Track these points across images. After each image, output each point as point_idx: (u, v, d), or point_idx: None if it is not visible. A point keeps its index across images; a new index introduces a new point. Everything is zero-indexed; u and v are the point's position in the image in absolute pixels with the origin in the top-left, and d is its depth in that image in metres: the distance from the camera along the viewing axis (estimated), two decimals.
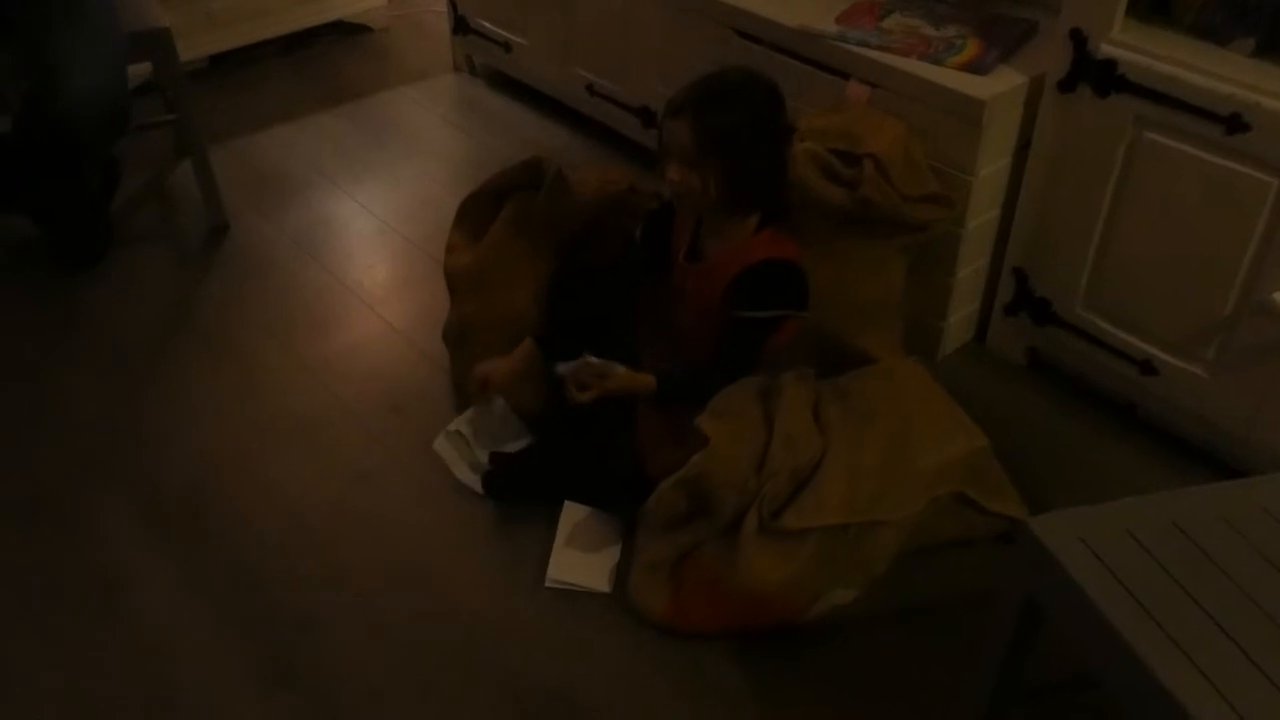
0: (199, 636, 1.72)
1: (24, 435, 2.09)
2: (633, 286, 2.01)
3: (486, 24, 3.15)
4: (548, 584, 1.78)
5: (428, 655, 1.69)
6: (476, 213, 2.22)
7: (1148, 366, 1.97)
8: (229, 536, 1.89)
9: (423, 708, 1.62)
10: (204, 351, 2.29)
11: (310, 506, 1.94)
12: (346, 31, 3.63)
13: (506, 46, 3.11)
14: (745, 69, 1.82)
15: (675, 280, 1.94)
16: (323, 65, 3.46)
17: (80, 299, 2.45)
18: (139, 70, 2.71)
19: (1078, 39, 1.82)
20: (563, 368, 1.85)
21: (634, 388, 1.82)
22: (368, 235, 2.67)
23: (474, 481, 1.95)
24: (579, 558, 1.81)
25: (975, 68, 1.99)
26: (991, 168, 2.02)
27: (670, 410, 1.85)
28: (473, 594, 1.79)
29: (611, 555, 1.82)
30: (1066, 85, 1.87)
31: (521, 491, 1.93)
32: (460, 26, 3.27)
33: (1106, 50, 1.79)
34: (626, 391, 1.82)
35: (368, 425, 2.11)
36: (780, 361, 1.85)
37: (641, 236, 2.00)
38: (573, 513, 1.87)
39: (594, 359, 1.81)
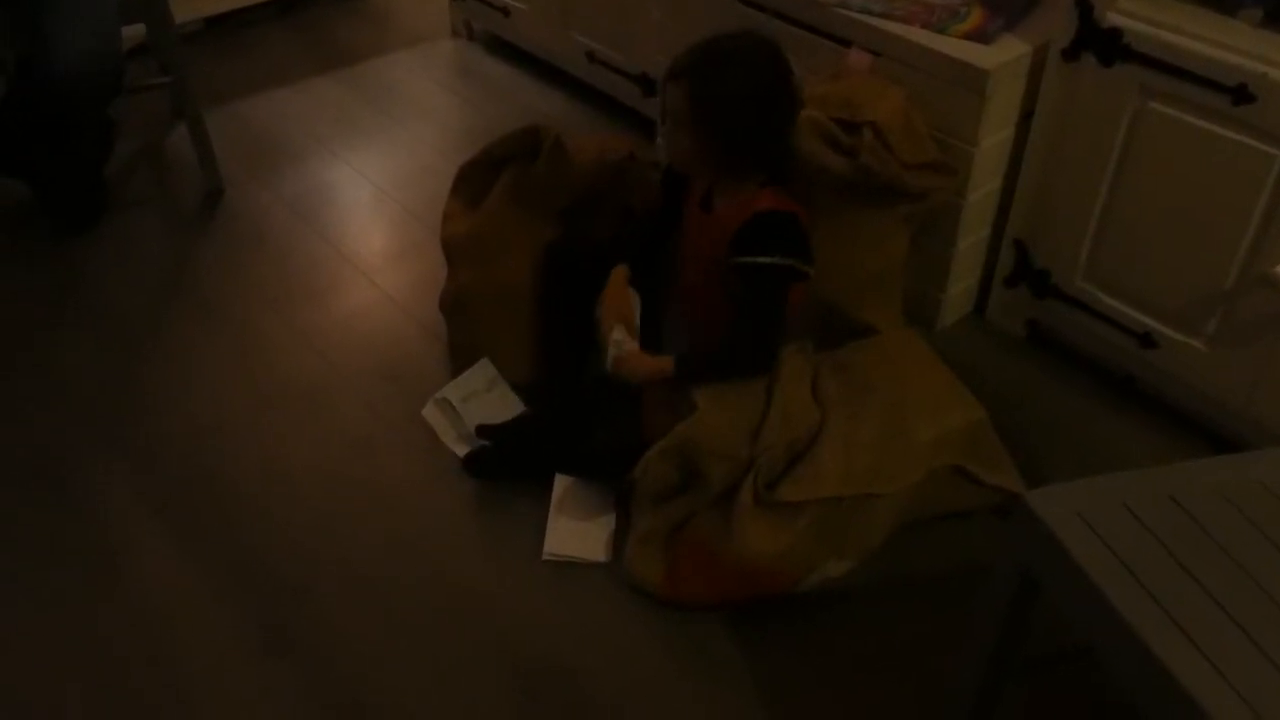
0: (195, 603, 1.73)
1: (21, 399, 2.09)
2: (652, 244, 1.99)
3: None
4: (545, 557, 1.77)
5: (423, 624, 1.70)
6: (474, 180, 2.20)
7: (1147, 339, 1.96)
8: (225, 503, 1.89)
9: (418, 676, 1.63)
10: (200, 318, 2.28)
11: (306, 474, 1.94)
12: None
13: (505, 11, 3.07)
14: (752, 34, 1.78)
15: (686, 229, 1.92)
16: (320, 28, 3.42)
17: (75, 263, 2.43)
18: (133, 32, 2.67)
19: (1083, 7, 1.79)
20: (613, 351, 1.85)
21: (653, 373, 1.81)
22: (364, 202, 2.65)
23: (462, 449, 1.94)
24: (574, 529, 1.81)
25: (979, 36, 1.97)
26: (994, 138, 2.00)
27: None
28: (468, 563, 1.79)
29: (607, 525, 1.82)
30: (1071, 54, 1.85)
31: (506, 470, 1.91)
32: None
33: (1112, 18, 1.77)
34: (647, 377, 1.82)
35: (364, 394, 2.10)
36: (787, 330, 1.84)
37: (661, 186, 1.99)
38: (564, 484, 1.86)
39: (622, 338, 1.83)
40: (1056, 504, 1.26)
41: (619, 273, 1.94)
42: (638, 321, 1.91)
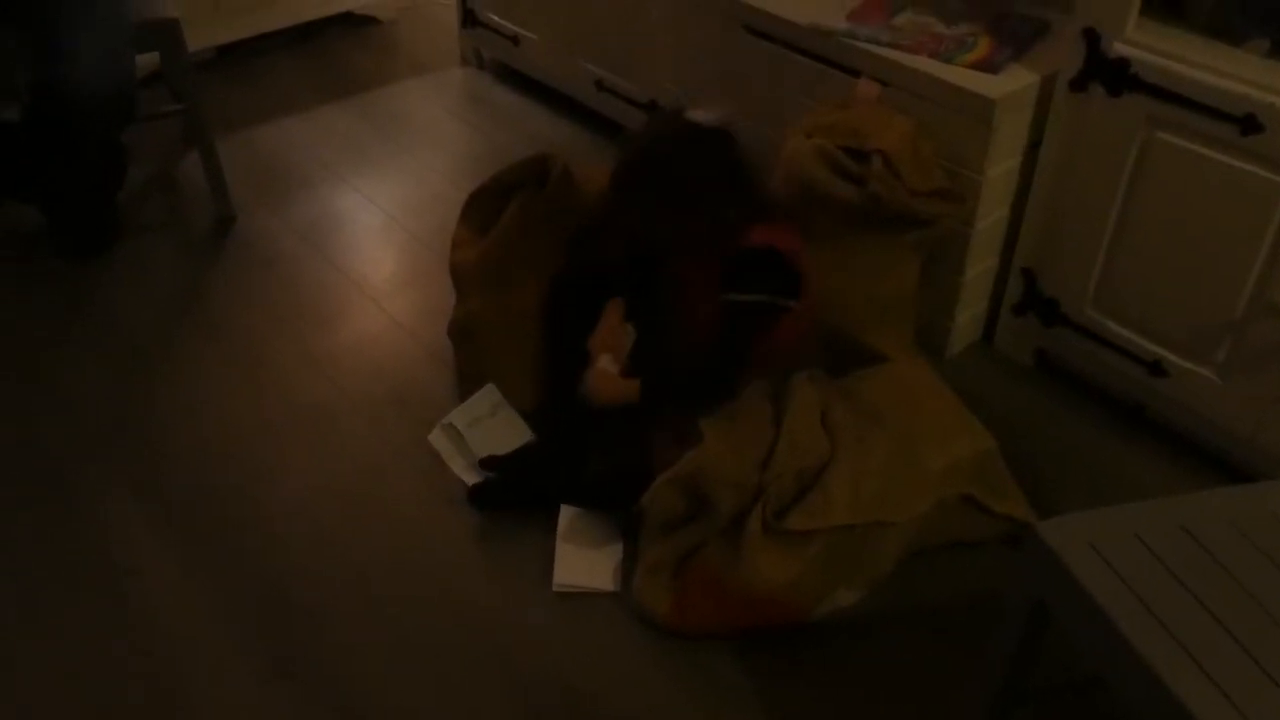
0: (201, 625, 1.72)
1: (31, 423, 2.09)
2: (653, 269, 2.01)
3: (495, 17, 3.14)
4: (555, 589, 1.77)
5: (429, 648, 1.69)
6: (483, 208, 2.21)
7: (1157, 368, 1.96)
8: (233, 527, 1.89)
9: (426, 700, 1.62)
10: (210, 343, 2.29)
11: (313, 499, 1.94)
12: (354, 24, 3.62)
13: (515, 40, 3.10)
14: (670, 125, 1.84)
15: (683, 266, 1.93)
16: (330, 57, 3.45)
17: (87, 288, 2.45)
18: (147, 60, 2.70)
19: (1090, 38, 1.80)
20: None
21: (620, 396, 1.85)
22: (373, 229, 2.67)
23: (468, 475, 1.94)
24: (582, 559, 1.80)
25: (986, 66, 1.98)
26: (1001, 167, 2.01)
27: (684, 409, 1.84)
28: (475, 587, 1.78)
29: (614, 554, 1.82)
30: (1078, 84, 1.85)
31: (511, 501, 1.90)
32: (468, 20, 3.26)
33: (1119, 49, 1.78)
34: (612, 399, 1.85)
35: (372, 420, 2.10)
36: (792, 361, 1.84)
37: None
38: (569, 515, 1.86)
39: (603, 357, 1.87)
40: (1067, 534, 1.26)
41: (615, 305, 1.97)
42: (628, 351, 1.93)
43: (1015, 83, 1.94)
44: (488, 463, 1.93)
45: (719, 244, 1.82)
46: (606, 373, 1.90)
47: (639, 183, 1.80)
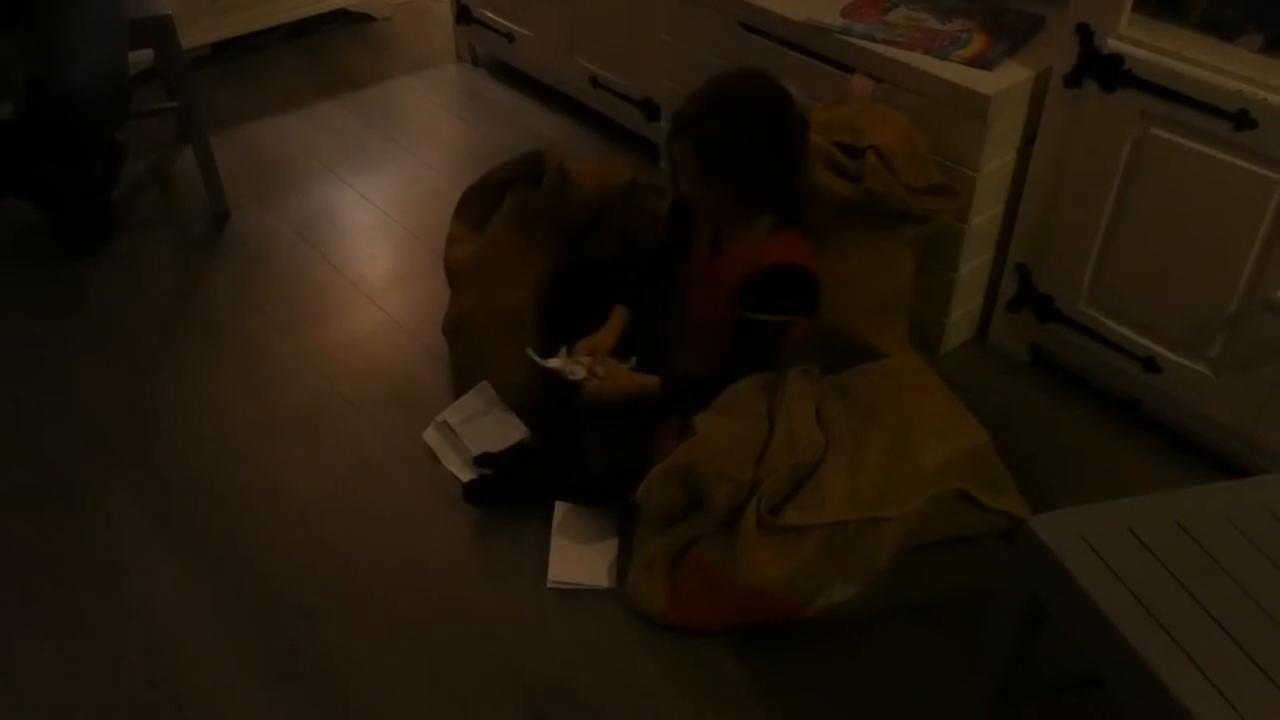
0: (202, 626, 1.72)
1: (29, 421, 2.09)
2: (657, 274, 2.01)
3: (489, 14, 3.14)
4: (549, 585, 1.77)
5: (429, 647, 1.69)
6: (478, 204, 2.21)
7: (1151, 364, 1.96)
8: (231, 526, 1.89)
9: (425, 698, 1.62)
10: (205, 341, 2.29)
11: (311, 497, 1.94)
12: (350, 20, 3.62)
13: (510, 37, 3.09)
14: (750, 74, 1.78)
15: (694, 267, 1.93)
16: (325, 54, 3.45)
17: (82, 284, 2.44)
18: (141, 57, 2.70)
19: (1084, 33, 1.81)
20: (552, 362, 1.86)
21: (636, 388, 1.84)
22: (368, 225, 2.66)
23: (463, 472, 1.95)
24: (577, 555, 1.81)
25: (981, 62, 1.98)
26: (996, 163, 2.01)
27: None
28: (473, 586, 1.79)
29: (609, 550, 1.82)
30: (1072, 80, 1.86)
31: (506, 498, 1.90)
32: (463, 16, 3.25)
33: (1113, 45, 1.78)
34: (627, 393, 1.84)
35: (367, 416, 2.10)
36: (789, 357, 1.85)
37: (666, 221, 1.99)
38: (564, 511, 1.86)
39: (583, 357, 1.87)
40: (1061, 529, 1.26)
41: (618, 314, 1.96)
42: (605, 349, 1.92)
43: (1009, 79, 1.94)
44: (482, 460, 1.93)
45: (747, 217, 1.80)
46: (619, 371, 1.87)
47: (696, 120, 1.71)
